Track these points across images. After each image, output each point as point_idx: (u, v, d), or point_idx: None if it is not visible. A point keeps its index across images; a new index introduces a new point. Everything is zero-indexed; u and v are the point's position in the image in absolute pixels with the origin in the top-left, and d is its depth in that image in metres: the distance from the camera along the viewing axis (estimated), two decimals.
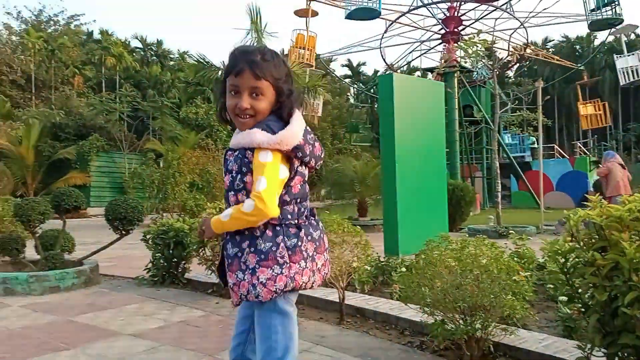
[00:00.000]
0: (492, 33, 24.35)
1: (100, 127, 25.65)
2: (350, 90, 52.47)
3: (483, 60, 15.13)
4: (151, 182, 17.17)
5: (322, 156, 2.02)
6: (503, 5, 23.84)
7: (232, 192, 1.87)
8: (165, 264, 5.69)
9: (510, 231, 7.79)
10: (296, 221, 1.92)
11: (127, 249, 8.74)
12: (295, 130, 1.84)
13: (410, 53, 27.58)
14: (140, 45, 40.47)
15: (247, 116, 1.85)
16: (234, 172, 1.86)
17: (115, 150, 25.71)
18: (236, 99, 1.85)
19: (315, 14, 23.84)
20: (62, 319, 4.29)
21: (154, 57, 40.16)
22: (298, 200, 1.94)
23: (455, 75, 23.03)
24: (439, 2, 23.11)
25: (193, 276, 5.82)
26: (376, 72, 52.19)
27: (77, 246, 6.84)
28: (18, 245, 5.87)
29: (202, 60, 17.10)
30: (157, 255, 5.69)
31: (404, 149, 5.06)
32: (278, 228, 1.86)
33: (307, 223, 1.96)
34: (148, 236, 5.74)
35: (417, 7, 24.04)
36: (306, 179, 1.99)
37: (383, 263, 5.40)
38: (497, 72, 14.34)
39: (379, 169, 15.44)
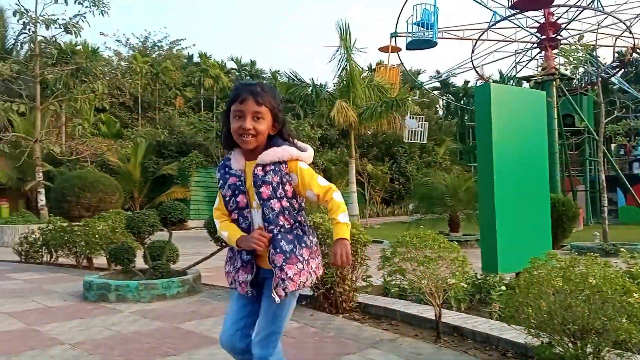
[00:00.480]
0: (594, 36, 22.81)
1: (199, 144, 27.16)
2: (439, 102, 51.43)
3: (585, 67, 14.23)
4: None
5: None
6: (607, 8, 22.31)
7: (276, 200, 2.19)
8: None
9: (620, 249, 7.20)
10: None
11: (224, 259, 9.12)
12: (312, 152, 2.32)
13: (514, 66, 26.53)
14: (235, 66, 42.54)
15: (250, 136, 2.18)
16: (274, 183, 2.19)
17: (212, 166, 27.07)
18: (240, 122, 2.17)
19: (397, 50, 23.98)
20: (169, 325, 4.57)
21: (248, 77, 41.97)
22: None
23: (554, 83, 21.84)
24: (520, 12, 22.09)
25: None
26: (466, 82, 50.76)
27: (180, 256, 7.25)
28: (129, 255, 6.34)
29: (293, 77, 17.61)
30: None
31: (502, 161, 4.86)
32: (310, 229, 2.34)
33: None
34: None
35: (497, 22, 23.22)
36: None
37: (480, 280, 5.20)
38: (601, 79, 13.42)
39: (471, 182, 14.96)
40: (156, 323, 4.65)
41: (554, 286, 3.14)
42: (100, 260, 8.81)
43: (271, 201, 2.19)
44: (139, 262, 6.82)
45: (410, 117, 25.44)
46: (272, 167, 2.19)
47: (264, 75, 43.34)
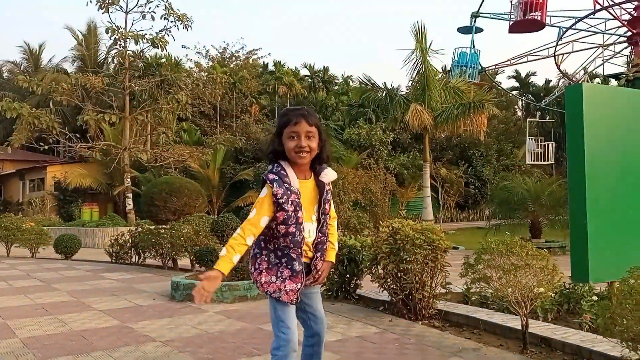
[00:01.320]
0: None
1: None
2: (518, 102, 49.41)
3: None
4: None
5: None
6: None
7: (329, 217, 2.59)
8: (339, 279, 5.92)
9: None
10: None
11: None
12: None
13: (592, 60, 25.03)
14: (308, 72, 43.16)
15: (305, 152, 2.42)
16: (332, 201, 2.62)
17: None
18: (296, 141, 2.41)
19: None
20: (252, 326, 4.71)
21: (320, 83, 42.46)
22: None
23: None
24: (622, 3, 20.71)
25: (364, 292, 5.96)
26: (548, 82, 48.43)
27: None
28: (212, 257, 6.61)
29: (366, 81, 17.62)
30: (330, 270, 5.94)
31: (595, 166, 4.59)
32: None
33: None
34: None
35: (596, 11, 21.83)
36: None
37: (569, 290, 4.94)
38: None
39: (556, 186, 14.26)
40: (240, 323, 4.81)
41: None
42: (185, 261, 9.24)
43: (327, 216, 2.56)
44: None
45: (530, 140, 24.38)
46: (329, 186, 2.57)
47: (336, 81, 43.66)
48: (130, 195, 20.50)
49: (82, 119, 18.42)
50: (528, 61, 24.09)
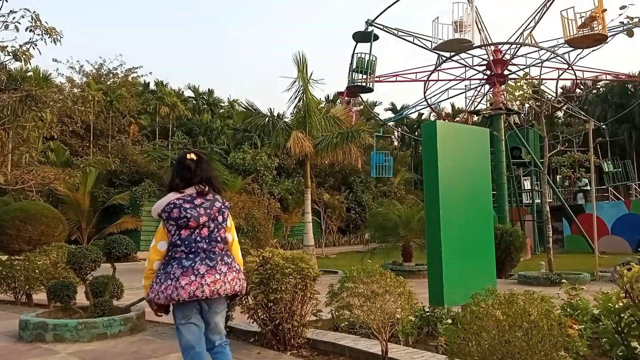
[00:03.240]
0: (539, 75, 24.01)
1: (152, 173, 26.57)
2: (394, 133, 52.56)
3: (530, 103, 14.91)
4: None
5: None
6: (550, 48, 23.55)
7: None
8: None
9: (563, 280, 7.43)
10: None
11: None
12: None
13: (448, 90, 27.72)
14: (192, 94, 42.21)
15: None
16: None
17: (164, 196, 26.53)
18: None
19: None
20: None
21: (205, 106, 41.71)
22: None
23: (502, 117, 22.74)
24: (479, 47, 23.11)
25: (235, 324, 5.82)
26: (420, 115, 52.19)
27: (126, 291, 6.98)
28: (69, 292, 6.05)
29: (250, 107, 17.61)
30: None
31: (448, 196, 4.98)
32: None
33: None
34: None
35: (442, 62, 24.43)
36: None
37: (428, 313, 5.24)
38: (546, 113, 14.05)
39: (423, 213, 15.23)
40: None
41: (495, 320, 3.19)
42: (41, 296, 8.37)
43: None
44: (81, 299, 6.53)
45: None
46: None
47: (222, 104, 43.20)
48: None
49: None
50: (403, 81, 26.28)
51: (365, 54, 24.90)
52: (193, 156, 3.15)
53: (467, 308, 3.32)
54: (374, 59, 24.82)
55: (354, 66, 24.98)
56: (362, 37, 24.81)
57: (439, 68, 25.20)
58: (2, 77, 20.49)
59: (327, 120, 17.48)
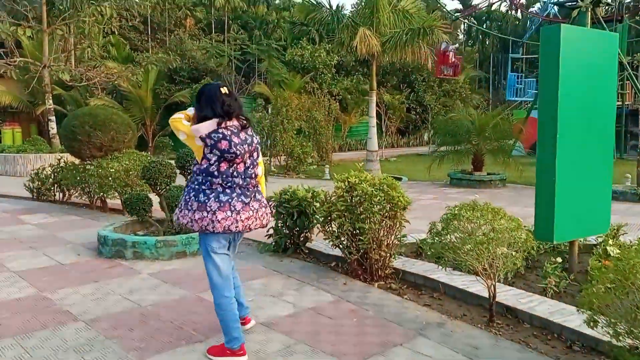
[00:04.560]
0: None
1: (211, 70, 26.15)
2: (460, 26, 48.98)
3: None
4: (261, 128, 17.24)
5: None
6: None
7: None
8: (288, 232, 5.46)
9: None
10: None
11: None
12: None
13: None
14: None
15: None
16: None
17: None
18: None
19: None
20: (191, 294, 4.20)
21: None
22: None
23: (589, 10, 20.28)
24: None
25: (315, 246, 5.56)
26: (490, 5, 48.11)
27: None
28: (145, 205, 5.92)
29: (311, 0, 16.39)
30: (279, 223, 5.46)
31: (568, 115, 4.23)
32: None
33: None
34: (270, 203, 5.51)
35: None
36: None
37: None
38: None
39: (499, 119, 14.21)
40: (178, 292, 4.28)
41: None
42: (116, 200, 8.44)
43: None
44: (157, 209, 6.37)
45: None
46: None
47: None
48: (53, 118, 18.77)
49: None
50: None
51: None
52: (226, 90, 3.05)
53: (618, 262, 2.76)
54: None
55: None
56: None
57: None
58: None
59: (396, 14, 16.09)
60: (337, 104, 24.33)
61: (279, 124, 16.96)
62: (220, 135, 2.90)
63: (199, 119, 2.99)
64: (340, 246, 4.65)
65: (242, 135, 3.00)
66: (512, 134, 14.96)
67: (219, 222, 2.90)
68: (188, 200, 2.97)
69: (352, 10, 25.40)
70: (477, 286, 4.07)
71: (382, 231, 4.53)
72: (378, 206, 4.39)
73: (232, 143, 2.91)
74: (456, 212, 3.64)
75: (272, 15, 37.48)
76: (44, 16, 17.45)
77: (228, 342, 3.01)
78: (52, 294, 4.20)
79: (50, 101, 18.68)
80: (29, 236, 6.44)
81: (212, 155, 2.92)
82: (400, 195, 4.50)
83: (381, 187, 4.49)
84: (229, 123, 2.97)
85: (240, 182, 2.99)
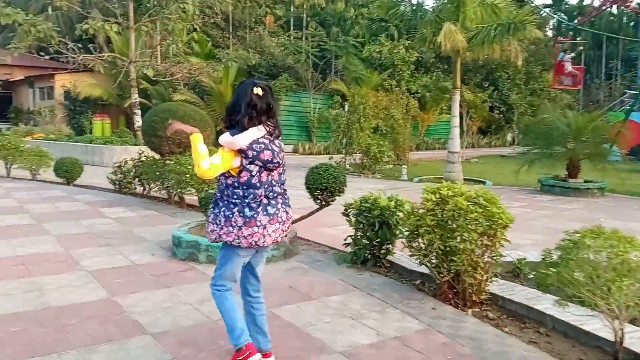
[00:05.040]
0: None
1: (289, 67, 26.19)
2: (550, 22, 46.16)
3: None
4: (337, 126, 16.90)
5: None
6: None
7: None
8: (367, 242, 5.03)
9: None
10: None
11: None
12: None
13: None
14: None
15: None
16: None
17: (302, 90, 26.19)
18: None
19: None
20: (267, 311, 3.87)
21: None
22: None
23: None
24: None
25: (396, 259, 5.09)
26: (581, 0, 45.02)
27: None
28: None
29: None
30: (359, 234, 5.04)
31: None
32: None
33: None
34: (349, 210, 5.11)
35: None
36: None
37: None
38: None
39: (599, 122, 12.96)
40: None
41: None
42: (193, 196, 8.39)
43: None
44: None
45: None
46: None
47: None
48: (138, 111, 19.45)
49: (80, 28, 16.93)
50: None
51: None
52: (260, 90, 2.78)
53: None
54: None
55: None
56: None
57: None
58: None
59: (483, 8, 15.13)
60: (416, 102, 23.53)
61: (355, 121, 16.52)
62: (262, 145, 2.74)
63: (226, 120, 2.83)
64: (429, 264, 4.15)
65: (276, 142, 2.84)
66: (611, 138, 13.63)
67: (269, 235, 2.78)
68: (230, 216, 2.72)
69: (435, 5, 24.47)
70: (593, 323, 3.45)
71: (477, 251, 3.99)
72: (475, 223, 3.85)
73: (273, 152, 2.77)
74: (577, 239, 3.05)
75: (350, 11, 37.07)
76: (131, 13, 18.07)
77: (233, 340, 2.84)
78: (122, 299, 4.03)
79: (136, 95, 19.37)
80: (106, 231, 6.44)
81: (253, 166, 2.72)
82: (502, 212, 3.93)
83: (478, 201, 3.95)
84: (262, 129, 2.77)
85: (279, 191, 2.87)
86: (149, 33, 20.19)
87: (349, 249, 5.29)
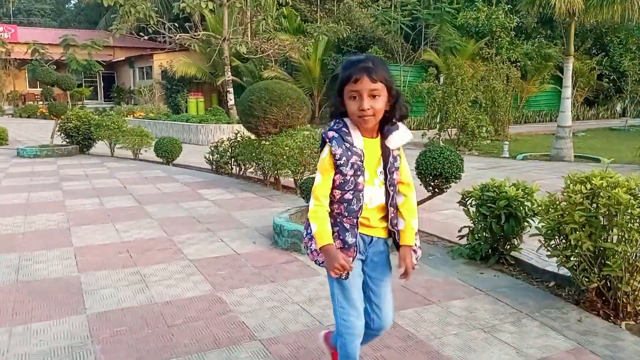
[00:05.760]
0: None
1: (379, 38, 25.31)
2: None
3: None
4: (432, 100, 16.00)
5: None
6: None
7: (398, 187, 2.22)
8: (490, 236, 4.44)
9: None
10: None
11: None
12: None
13: None
14: None
15: (368, 116, 2.04)
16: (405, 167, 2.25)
17: (392, 62, 25.26)
18: (358, 102, 2.03)
19: None
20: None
21: None
22: None
23: None
24: None
25: (522, 255, 4.47)
26: None
27: None
28: None
29: None
30: (479, 227, 4.46)
31: None
32: None
33: None
34: (468, 200, 4.53)
35: None
36: None
37: None
38: None
39: None
40: None
41: None
42: (289, 178, 8.16)
43: (395, 187, 2.20)
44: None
45: None
46: (398, 151, 2.19)
47: None
48: (231, 90, 19.71)
49: (178, 7, 17.26)
50: None
51: None
52: None
53: None
54: None
55: None
56: None
57: None
58: None
59: None
60: (518, 71, 21.85)
61: (452, 94, 15.52)
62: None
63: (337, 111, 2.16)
64: (574, 269, 3.52)
65: None
66: None
67: None
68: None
69: None
70: None
71: (637, 254, 3.30)
72: (638, 221, 3.17)
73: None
74: None
75: None
76: None
77: None
78: (227, 294, 3.79)
79: (229, 73, 19.59)
80: (206, 215, 6.34)
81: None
82: None
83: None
84: None
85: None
86: (241, 9, 20.24)
87: (463, 241, 4.75)
